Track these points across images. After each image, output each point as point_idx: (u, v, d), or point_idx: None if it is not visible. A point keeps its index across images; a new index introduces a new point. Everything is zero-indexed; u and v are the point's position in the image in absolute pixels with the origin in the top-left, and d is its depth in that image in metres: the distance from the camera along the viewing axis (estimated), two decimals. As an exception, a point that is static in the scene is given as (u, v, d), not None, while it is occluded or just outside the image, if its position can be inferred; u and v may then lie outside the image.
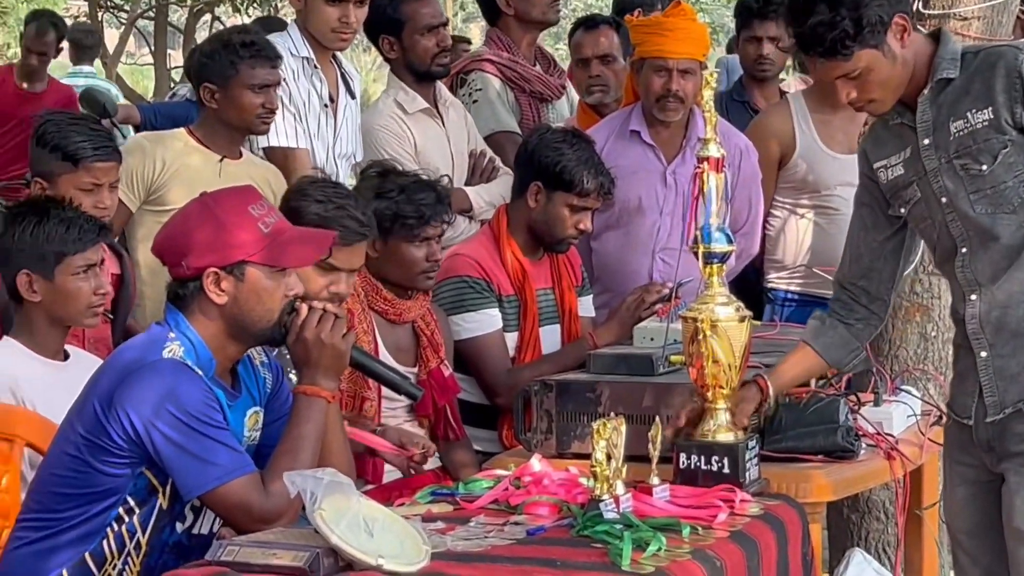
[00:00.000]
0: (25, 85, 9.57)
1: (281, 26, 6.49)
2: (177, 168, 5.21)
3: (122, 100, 11.04)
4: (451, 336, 5.02)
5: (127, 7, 22.73)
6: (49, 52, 9.77)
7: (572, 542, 3.50)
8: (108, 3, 22.31)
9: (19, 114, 9.10)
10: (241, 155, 5.36)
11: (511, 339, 5.19)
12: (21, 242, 4.21)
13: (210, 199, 3.67)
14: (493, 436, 5.15)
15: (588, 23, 6.55)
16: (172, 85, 20.72)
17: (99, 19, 20.98)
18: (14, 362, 4.13)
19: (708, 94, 3.99)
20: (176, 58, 22.35)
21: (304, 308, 3.68)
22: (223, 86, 5.22)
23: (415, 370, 4.79)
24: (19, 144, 8.93)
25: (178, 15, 23.52)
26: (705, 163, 3.95)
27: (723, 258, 3.96)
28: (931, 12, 5.19)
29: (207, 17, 22.54)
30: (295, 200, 4.46)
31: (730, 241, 3.97)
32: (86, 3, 22.46)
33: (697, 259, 3.98)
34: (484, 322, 5.14)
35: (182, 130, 5.39)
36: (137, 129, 8.47)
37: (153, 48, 21.46)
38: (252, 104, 5.22)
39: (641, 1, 7.19)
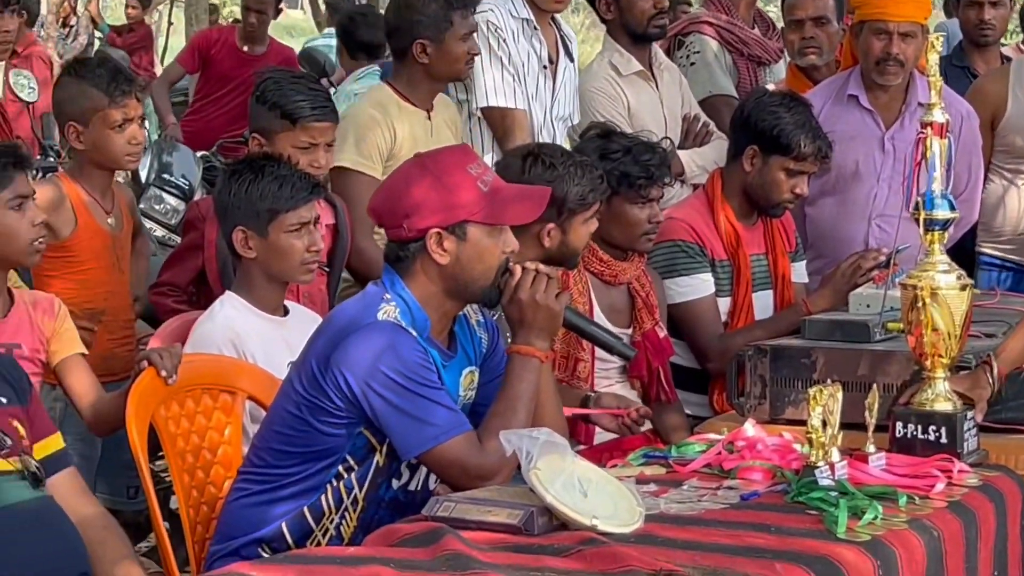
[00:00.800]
0: (246, 48, 9.62)
1: None
2: (404, 133, 5.26)
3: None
4: (664, 299, 5.01)
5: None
6: (268, 10, 9.72)
7: (786, 508, 3.47)
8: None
9: (239, 76, 9.20)
10: (433, 106, 5.41)
11: (723, 304, 5.17)
12: (237, 199, 4.26)
13: (429, 160, 3.70)
14: (704, 400, 5.13)
15: None
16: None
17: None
18: (236, 316, 4.20)
19: (933, 58, 3.92)
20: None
21: (518, 269, 3.70)
22: (437, 40, 5.26)
23: (629, 331, 4.80)
24: (239, 105, 9.05)
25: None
26: (929, 128, 3.88)
27: (945, 225, 3.90)
28: None
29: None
30: (544, 173, 4.45)
31: (952, 208, 3.90)
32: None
33: (917, 226, 3.92)
34: (697, 287, 5.11)
35: (389, 90, 5.41)
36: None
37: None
38: (461, 54, 5.28)
39: None
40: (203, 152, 8.18)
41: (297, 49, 10.52)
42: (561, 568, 3.02)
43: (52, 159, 6.85)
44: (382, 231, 3.81)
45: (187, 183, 8.01)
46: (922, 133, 3.91)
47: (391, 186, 3.72)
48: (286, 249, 4.25)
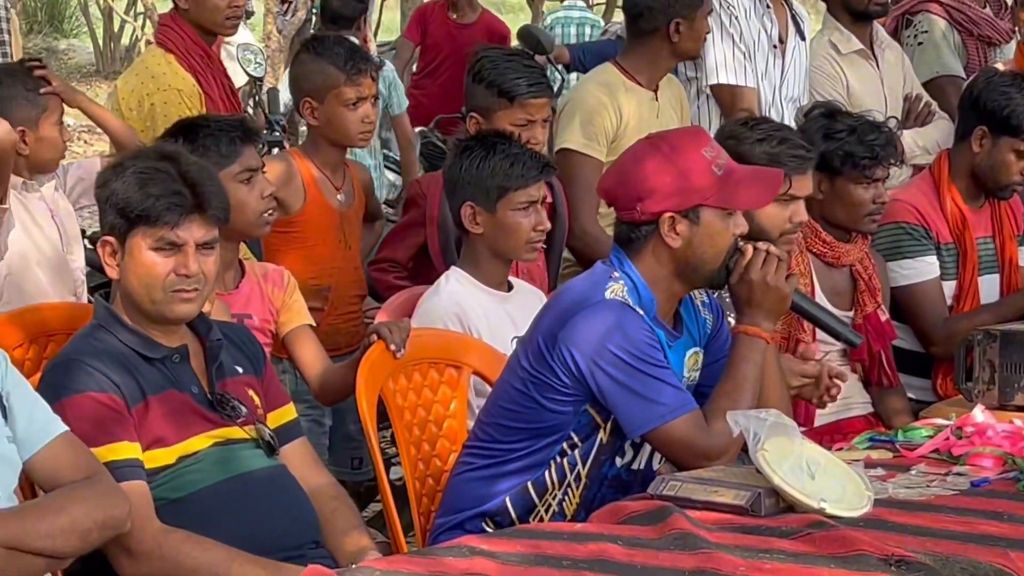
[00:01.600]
0: (455, 16, 9.51)
1: None
2: (630, 115, 5.27)
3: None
4: (887, 282, 4.95)
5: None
6: None
7: (1018, 496, 3.42)
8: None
9: (450, 47, 9.19)
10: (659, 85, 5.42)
11: (948, 288, 5.11)
12: (468, 174, 4.29)
13: (664, 143, 3.70)
14: (927, 385, 5.08)
15: None
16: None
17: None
18: (461, 291, 4.24)
19: None
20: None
21: (749, 249, 3.68)
22: (690, 18, 5.27)
23: (851, 314, 4.75)
24: (452, 78, 9.07)
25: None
26: None
27: None
28: None
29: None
30: (736, 146, 4.42)
31: None
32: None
33: None
34: (921, 269, 5.06)
35: (614, 68, 5.42)
36: (566, 68, 8.56)
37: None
38: (705, 31, 5.30)
39: None
40: (420, 128, 8.25)
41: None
42: (790, 550, 3.00)
43: (278, 133, 6.98)
44: (608, 211, 3.83)
45: (405, 159, 8.09)
46: None
47: (624, 168, 3.72)
48: (513, 227, 4.27)
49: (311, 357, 4.23)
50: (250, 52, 7.96)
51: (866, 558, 2.93)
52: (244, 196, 4.14)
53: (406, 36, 9.91)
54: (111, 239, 3.40)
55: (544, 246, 4.84)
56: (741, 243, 3.69)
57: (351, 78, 4.81)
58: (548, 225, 4.41)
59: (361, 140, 4.93)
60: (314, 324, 4.32)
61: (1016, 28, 6.46)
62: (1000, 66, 5.91)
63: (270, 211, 4.25)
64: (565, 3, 11.22)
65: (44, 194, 4.50)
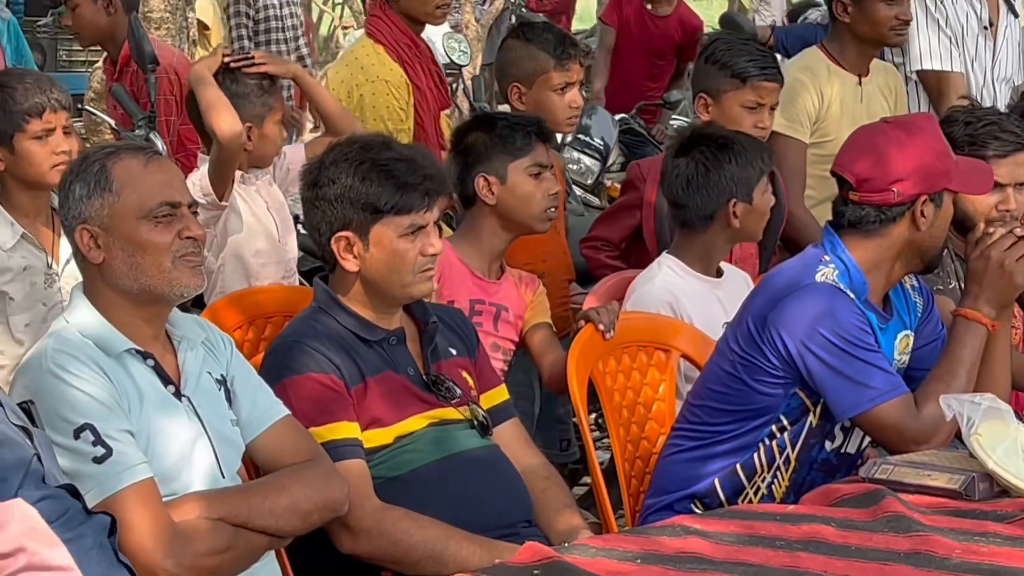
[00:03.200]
0: (649, 6, 9.39)
1: None
2: (832, 97, 5.27)
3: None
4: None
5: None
6: None
7: None
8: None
9: (644, 36, 9.15)
10: (868, 71, 5.37)
11: None
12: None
13: (915, 127, 3.75)
14: None
15: None
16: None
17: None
18: (673, 279, 4.28)
19: None
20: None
21: (1000, 230, 3.68)
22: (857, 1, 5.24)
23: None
24: (650, 67, 9.07)
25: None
26: None
27: None
28: None
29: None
30: (945, 128, 4.39)
31: None
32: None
33: None
34: None
35: (819, 52, 5.42)
36: (770, 50, 8.51)
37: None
38: (887, 17, 5.23)
39: None
40: (621, 115, 8.27)
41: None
42: (1005, 534, 2.99)
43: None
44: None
45: (603, 144, 8.13)
46: None
47: (879, 149, 3.69)
48: (762, 214, 4.34)
49: (545, 348, 4.32)
50: (455, 40, 8.06)
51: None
52: (531, 190, 4.27)
53: (604, 19, 9.90)
54: (348, 234, 3.47)
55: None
56: (995, 224, 3.70)
57: (560, 63, 4.89)
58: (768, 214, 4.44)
59: (568, 125, 5.00)
60: (550, 323, 4.41)
61: None
62: None
63: (553, 208, 4.36)
64: None
65: (260, 187, 4.62)
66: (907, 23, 5.29)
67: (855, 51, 5.33)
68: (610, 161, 7.93)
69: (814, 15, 9.17)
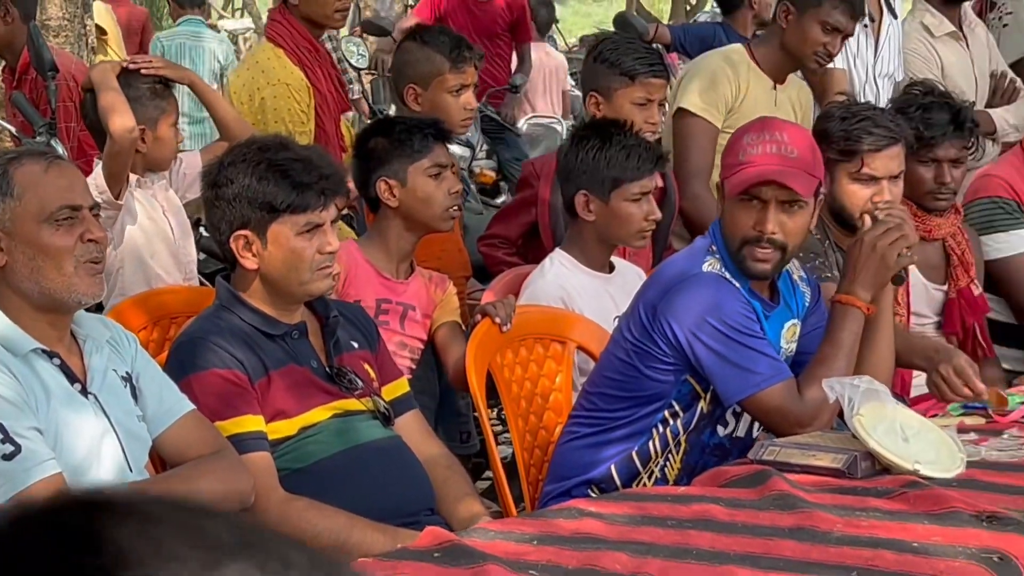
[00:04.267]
0: None
1: None
2: (749, 93, 5.40)
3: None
4: (981, 256, 5.04)
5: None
6: None
7: (1110, 457, 3.53)
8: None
9: (470, 24, 9.14)
10: (785, 80, 5.50)
11: (1040, 260, 5.17)
12: (583, 164, 4.40)
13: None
14: (1021, 355, 5.17)
15: None
16: (688, 8, 20.98)
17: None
18: (565, 274, 4.39)
19: None
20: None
21: (868, 220, 3.82)
22: (802, 11, 5.34)
23: (944, 288, 4.85)
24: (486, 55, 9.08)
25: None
26: None
27: None
28: None
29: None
30: (820, 124, 4.51)
31: None
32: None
33: None
34: (1014, 243, 5.14)
35: (743, 50, 5.54)
36: (667, 48, 8.66)
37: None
38: (816, 41, 5.34)
39: None
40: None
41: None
42: (885, 509, 3.13)
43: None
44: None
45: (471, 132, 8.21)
46: None
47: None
48: (625, 216, 4.39)
49: (450, 345, 4.41)
50: (352, 43, 8.14)
51: (958, 514, 3.06)
52: (432, 190, 4.36)
53: (418, 15, 10.03)
54: (246, 232, 3.55)
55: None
56: (867, 215, 3.84)
57: (456, 66, 5.00)
58: (659, 215, 4.50)
59: (462, 126, 5.11)
60: (460, 322, 4.50)
61: None
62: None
63: (455, 207, 4.45)
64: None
65: (156, 191, 4.69)
66: (831, 56, 5.38)
67: (777, 58, 5.45)
68: (477, 149, 8.04)
69: (703, 17, 9.34)
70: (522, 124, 9.86)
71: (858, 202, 4.26)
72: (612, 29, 8.69)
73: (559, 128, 11.09)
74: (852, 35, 5.38)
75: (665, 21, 19.23)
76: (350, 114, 6.21)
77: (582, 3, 36.96)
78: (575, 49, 19.06)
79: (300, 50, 5.37)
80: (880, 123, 4.35)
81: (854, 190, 4.26)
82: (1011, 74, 6.02)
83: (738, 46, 5.60)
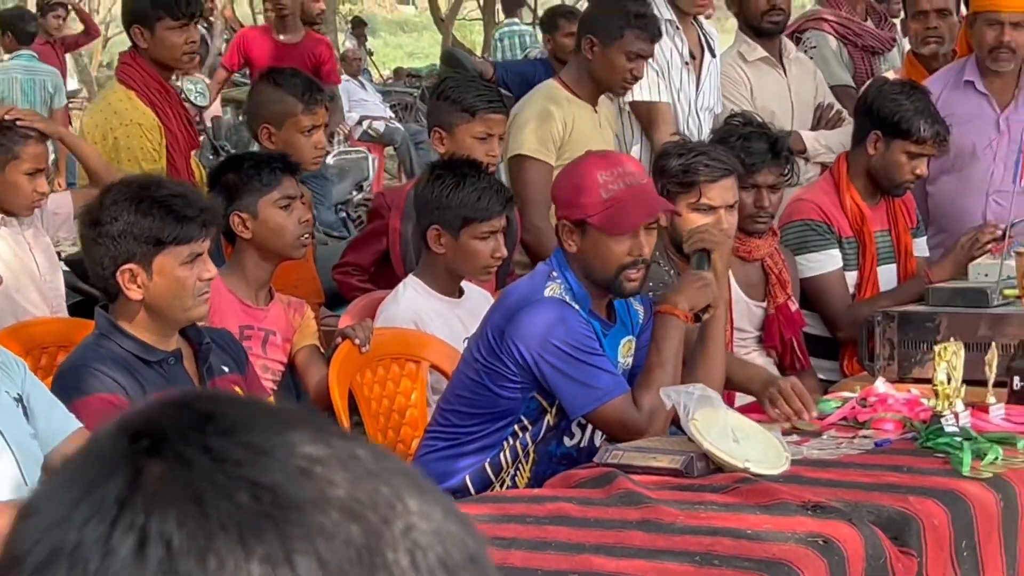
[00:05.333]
0: (282, 37, 9.64)
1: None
2: (573, 125, 5.72)
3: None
4: (797, 274, 5.40)
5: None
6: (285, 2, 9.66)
7: (916, 452, 3.91)
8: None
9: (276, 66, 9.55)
10: (598, 102, 5.85)
11: (851, 277, 5.54)
12: (437, 200, 4.67)
13: (582, 158, 4.20)
14: (835, 366, 5.52)
15: None
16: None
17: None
18: (417, 299, 4.68)
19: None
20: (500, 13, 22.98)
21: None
22: (606, 44, 5.68)
23: (764, 304, 5.21)
24: None
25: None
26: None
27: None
28: None
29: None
30: (660, 161, 4.82)
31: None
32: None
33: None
34: (826, 262, 5.49)
35: (556, 84, 5.87)
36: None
37: (482, 4, 22.06)
38: (623, 69, 5.68)
39: None
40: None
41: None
42: (720, 502, 3.47)
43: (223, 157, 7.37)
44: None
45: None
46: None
47: (560, 179, 4.19)
48: (473, 253, 4.67)
49: (310, 367, 4.64)
50: (191, 82, 8.36)
51: (786, 505, 3.41)
52: (283, 221, 4.62)
53: (224, 65, 10.41)
54: (132, 266, 3.76)
55: None
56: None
57: (308, 107, 5.29)
58: (505, 252, 4.79)
59: (313, 164, 5.39)
60: (319, 346, 4.75)
61: (894, 38, 6.97)
62: (890, 75, 6.38)
63: (306, 235, 4.71)
64: (507, 20, 11.85)
65: (22, 230, 4.89)
66: (637, 79, 5.73)
67: (589, 85, 5.78)
68: None
69: (535, 52, 9.71)
70: (330, 158, 10.14)
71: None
72: (437, 63, 9.01)
73: (367, 162, 11.43)
74: (653, 56, 5.74)
75: (479, 54, 19.65)
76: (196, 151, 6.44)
77: (393, 35, 37.20)
78: (390, 81, 19.43)
79: (150, 91, 5.59)
80: (715, 157, 4.69)
81: (694, 219, 4.59)
82: (837, 105, 6.41)
83: (552, 82, 5.94)
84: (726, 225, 4.65)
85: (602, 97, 5.89)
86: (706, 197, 4.61)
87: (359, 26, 20.82)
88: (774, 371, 5.02)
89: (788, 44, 6.48)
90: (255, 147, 5.81)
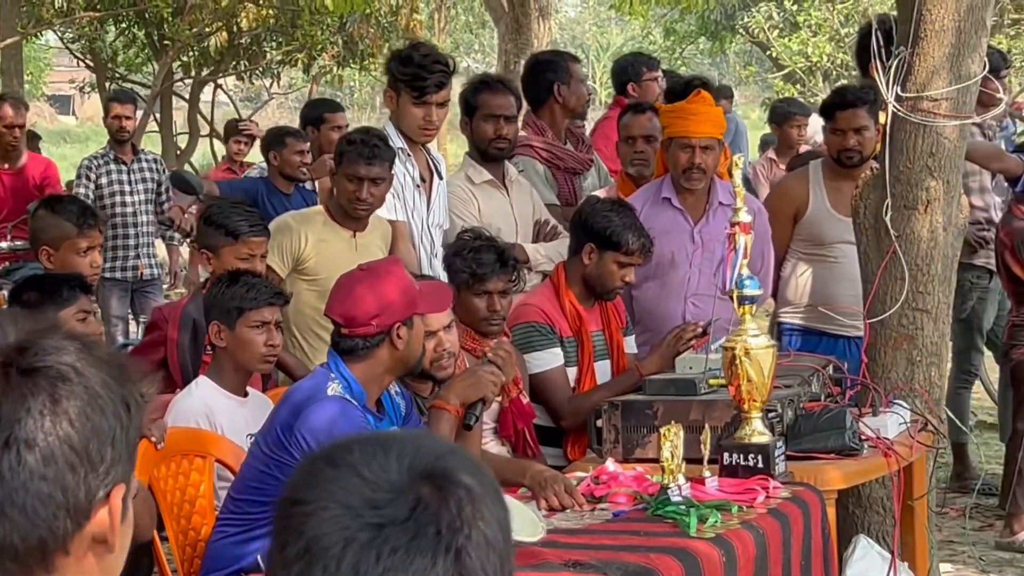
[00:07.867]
0: (6, 166, 10.04)
1: (332, 107, 7.83)
2: (316, 244, 6.32)
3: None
4: (526, 371, 6.01)
5: (134, 77, 23.70)
6: (14, 131, 10.04)
7: (649, 519, 4.58)
8: (114, 74, 23.14)
9: (4, 192, 9.87)
10: (367, 225, 6.44)
11: (572, 373, 6.18)
12: (215, 299, 5.25)
13: (383, 271, 4.78)
14: (559, 452, 6.13)
15: (637, 108, 7.63)
16: (178, 153, 21.54)
17: (107, 88, 21.58)
18: (208, 395, 5.21)
19: (737, 174, 5.11)
20: (181, 124, 23.19)
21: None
22: (338, 173, 6.33)
23: (499, 398, 5.82)
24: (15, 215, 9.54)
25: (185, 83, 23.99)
26: (737, 226, 5.04)
27: (753, 300, 5.05)
28: (906, 95, 6.07)
29: (211, 86, 23.55)
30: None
31: (759, 287, 5.06)
32: (94, 75, 23.48)
33: (732, 302, 5.07)
34: (549, 359, 6.12)
35: (320, 209, 6.52)
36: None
37: (159, 116, 22.18)
38: (349, 191, 6.28)
39: (636, 72, 8.45)
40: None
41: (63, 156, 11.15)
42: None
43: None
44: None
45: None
46: (731, 230, 5.06)
47: (357, 294, 4.72)
48: (248, 342, 5.24)
49: None
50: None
51: (550, 564, 4.02)
52: (81, 332, 5.05)
53: None
54: None
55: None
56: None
57: (82, 231, 5.79)
58: (280, 342, 5.37)
59: (91, 279, 5.86)
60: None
61: (591, 160, 7.75)
62: (601, 193, 7.07)
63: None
64: None
65: None
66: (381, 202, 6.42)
67: (341, 215, 6.39)
68: None
69: (254, 172, 10.14)
70: None
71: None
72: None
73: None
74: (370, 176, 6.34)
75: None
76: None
77: (56, 146, 37.00)
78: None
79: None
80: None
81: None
82: (553, 221, 7.06)
83: (320, 210, 6.64)
84: (447, 345, 5.16)
85: (376, 220, 6.47)
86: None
87: (33, 139, 20.80)
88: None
89: (509, 167, 7.10)
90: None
